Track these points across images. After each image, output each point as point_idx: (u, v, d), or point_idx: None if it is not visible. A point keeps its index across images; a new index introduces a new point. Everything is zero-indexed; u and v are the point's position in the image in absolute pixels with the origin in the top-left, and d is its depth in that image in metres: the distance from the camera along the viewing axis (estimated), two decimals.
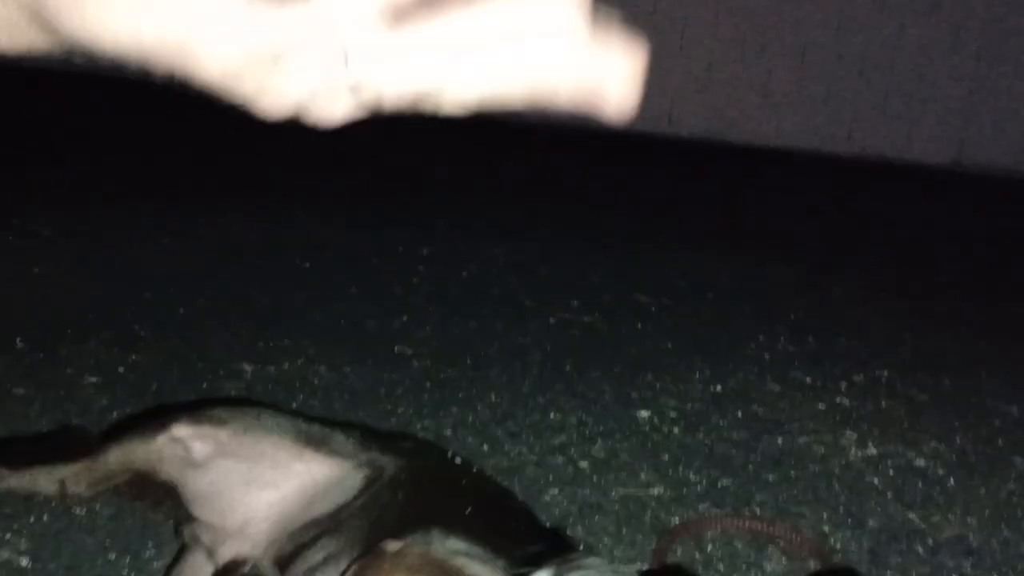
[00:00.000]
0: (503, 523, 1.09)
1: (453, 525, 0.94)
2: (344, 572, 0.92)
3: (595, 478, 1.84)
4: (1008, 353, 2.90)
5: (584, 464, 1.90)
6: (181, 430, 1.20)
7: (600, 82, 0.55)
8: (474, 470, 1.30)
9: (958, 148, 7.53)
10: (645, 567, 1.42)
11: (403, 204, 4.34)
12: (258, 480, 1.15)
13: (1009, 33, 7.33)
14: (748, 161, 7.05)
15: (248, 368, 2.20)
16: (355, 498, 1.12)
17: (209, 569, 1.13)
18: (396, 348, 2.44)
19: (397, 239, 3.55)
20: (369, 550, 0.93)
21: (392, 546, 0.92)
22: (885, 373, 2.58)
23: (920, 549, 1.69)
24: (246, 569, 0.94)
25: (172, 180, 4.24)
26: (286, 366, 2.25)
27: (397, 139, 6.45)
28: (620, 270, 3.52)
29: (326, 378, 2.20)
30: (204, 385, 2.07)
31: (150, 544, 1.44)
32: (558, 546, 1.01)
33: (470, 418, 2.06)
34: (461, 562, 0.90)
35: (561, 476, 1.83)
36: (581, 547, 0.84)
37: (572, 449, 1.96)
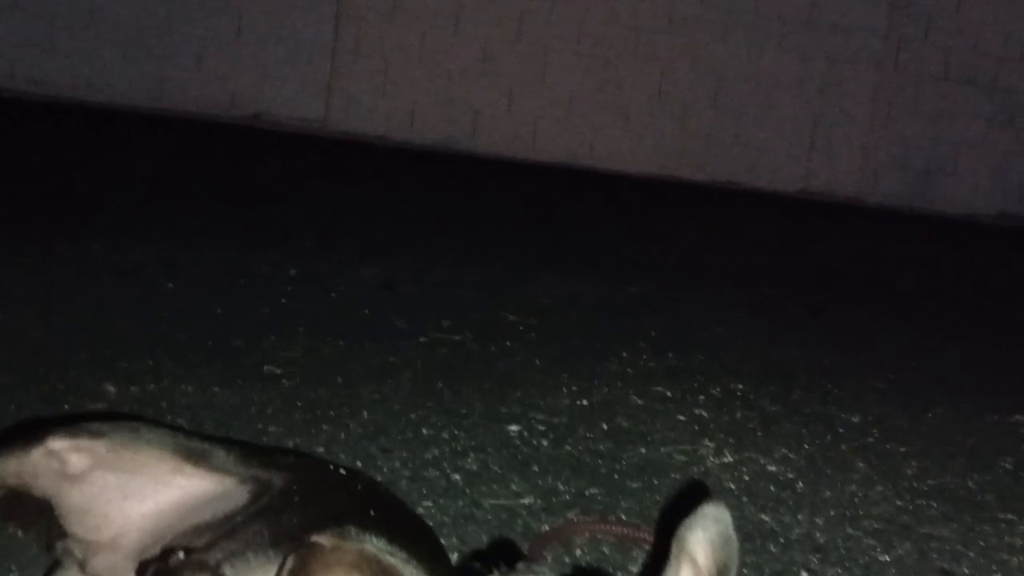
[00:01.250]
0: (405, 526, 1.12)
1: (364, 527, 0.97)
2: (280, 567, 0.93)
3: (467, 490, 1.88)
4: (851, 366, 3.10)
5: (457, 477, 1.94)
6: (57, 443, 1.17)
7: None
8: (363, 478, 1.32)
9: (805, 175, 7.97)
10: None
11: (267, 224, 4.30)
12: (136, 493, 1.14)
13: (852, 66, 7.82)
14: (608, 186, 7.27)
15: (112, 389, 2.15)
16: (245, 507, 1.12)
17: None
18: (265, 368, 2.43)
19: (262, 259, 3.52)
20: (299, 544, 0.94)
21: (326, 540, 0.94)
22: (739, 386, 2.72)
23: (772, 547, 1.80)
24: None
25: (29, 200, 4.08)
26: (151, 386, 2.21)
27: (260, 159, 6.37)
28: (488, 290, 3.58)
29: (193, 397, 2.17)
30: (65, 407, 2.01)
31: (13, 567, 1.40)
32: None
33: (342, 435, 2.07)
34: (392, 560, 0.93)
35: (435, 488, 1.87)
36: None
37: (445, 463, 2.00)
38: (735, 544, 1.02)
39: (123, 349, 2.41)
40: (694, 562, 1.01)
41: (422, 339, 2.82)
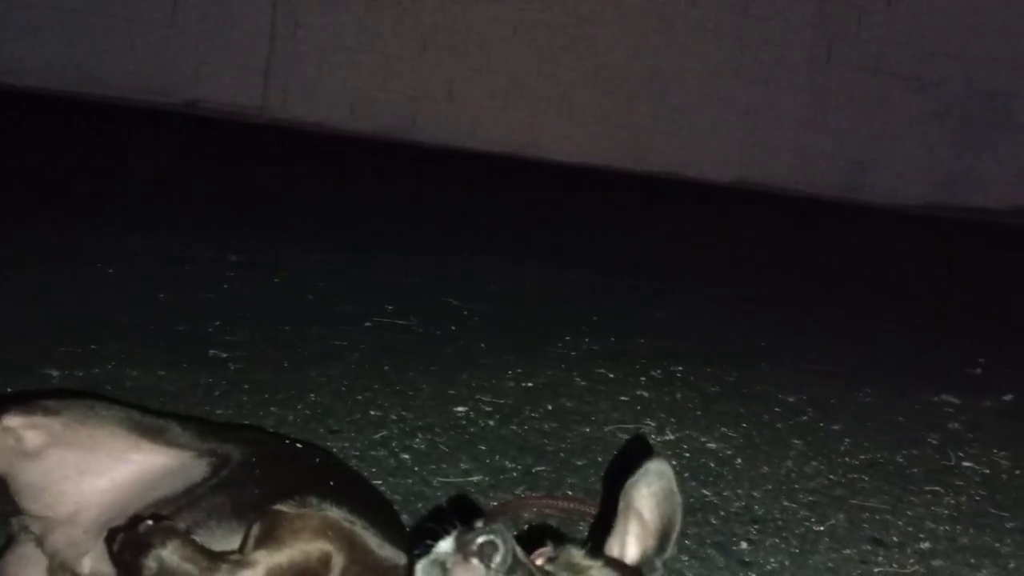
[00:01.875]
0: (362, 496, 1.14)
1: (324, 496, 0.99)
2: (246, 535, 0.95)
3: (416, 468, 1.91)
4: (787, 349, 3.19)
5: (406, 456, 1.96)
6: (12, 420, 1.17)
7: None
8: (319, 451, 1.34)
9: (740, 166, 8.11)
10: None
11: (206, 212, 4.26)
12: (93, 470, 1.15)
13: (786, 59, 7.97)
14: (549, 175, 7.33)
15: (55, 373, 2.13)
16: (205, 481, 1.14)
17: (40, 559, 1.12)
18: (210, 352, 2.42)
19: (202, 246, 3.50)
20: (261, 513, 0.96)
21: (289, 508, 0.96)
22: (679, 368, 2.78)
23: (713, 519, 1.86)
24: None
25: None
26: (95, 370, 2.19)
27: (201, 146, 6.30)
28: (432, 277, 3.61)
29: (140, 380, 2.16)
30: (8, 390, 1.99)
31: None
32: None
33: (290, 417, 2.09)
34: (353, 527, 0.96)
35: (384, 468, 1.89)
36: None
37: (393, 443, 2.02)
38: (678, 498, 1.07)
39: (65, 334, 2.38)
40: (640, 516, 1.05)
41: (367, 324, 2.84)
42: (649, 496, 1.06)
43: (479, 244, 4.32)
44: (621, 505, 1.07)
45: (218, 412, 2.05)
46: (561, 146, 7.89)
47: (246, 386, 2.21)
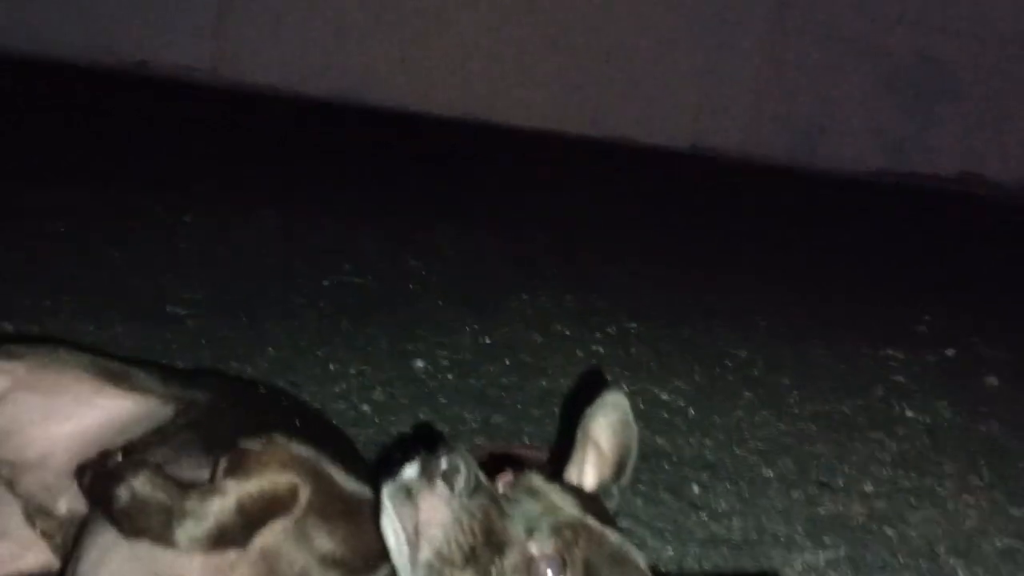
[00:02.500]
0: (326, 434, 1.17)
1: (290, 435, 1.01)
2: (214, 469, 0.97)
3: (377, 419, 1.94)
4: (738, 307, 3.26)
5: (366, 408, 1.99)
6: None
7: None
8: (284, 393, 1.35)
9: (694, 132, 8.17)
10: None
11: (159, 171, 4.21)
12: (58, 414, 1.16)
13: (740, 25, 8.03)
14: (506, 140, 7.32)
15: (8, 326, 2.12)
16: (173, 421, 1.15)
17: (12, 501, 1.13)
18: (168, 308, 2.42)
19: (156, 205, 3.47)
20: (227, 448, 0.98)
21: (254, 444, 0.98)
22: (634, 325, 2.83)
23: (666, 465, 1.92)
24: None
25: None
26: (50, 325, 2.18)
27: (150, 106, 6.20)
28: (389, 239, 3.61)
29: (96, 336, 2.15)
30: None
31: None
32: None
33: (250, 370, 2.10)
34: (321, 462, 0.98)
35: (344, 419, 1.91)
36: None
37: (353, 396, 2.05)
38: (634, 429, 1.11)
39: (19, 289, 2.37)
40: (597, 446, 1.09)
41: (325, 282, 2.85)
42: (606, 426, 1.10)
43: (436, 207, 4.32)
44: (579, 435, 1.10)
45: (178, 366, 2.06)
46: (517, 111, 7.88)
47: (204, 341, 2.22)
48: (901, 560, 1.69)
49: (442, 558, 0.91)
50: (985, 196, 8.06)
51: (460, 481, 0.91)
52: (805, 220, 5.70)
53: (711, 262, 4.07)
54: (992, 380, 2.77)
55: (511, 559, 0.93)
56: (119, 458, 0.96)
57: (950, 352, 3.00)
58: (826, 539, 1.71)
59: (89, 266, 2.68)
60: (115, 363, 1.27)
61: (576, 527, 0.95)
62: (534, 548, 0.94)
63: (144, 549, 0.96)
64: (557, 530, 0.94)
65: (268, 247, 3.18)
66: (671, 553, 1.63)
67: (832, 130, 8.28)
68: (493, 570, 0.92)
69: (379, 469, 0.98)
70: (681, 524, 1.71)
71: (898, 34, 8.16)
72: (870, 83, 8.22)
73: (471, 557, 0.91)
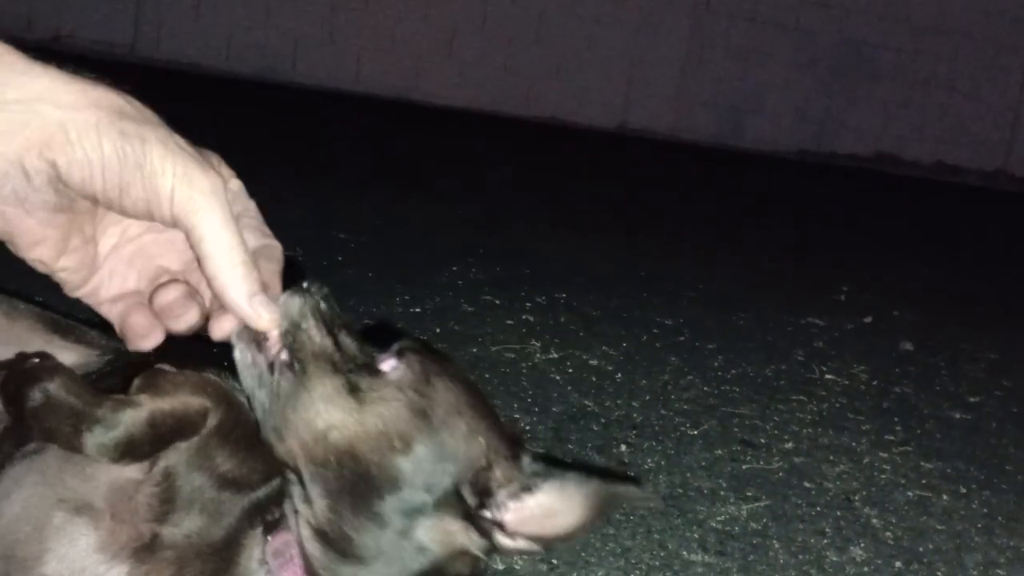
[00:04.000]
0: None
1: (205, 366, 1.01)
2: (129, 387, 0.95)
3: None
4: (665, 276, 3.32)
5: None
6: None
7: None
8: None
9: (623, 112, 8.25)
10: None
11: None
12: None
13: (668, 7, 8.10)
14: (435, 118, 7.31)
15: None
16: (100, 369, 1.15)
17: None
18: None
19: None
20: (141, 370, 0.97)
21: (168, 367, 0.97)
22: (563, 295, 2.87)
23: (594, 426, 1.95)
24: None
25: None
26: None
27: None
28: (316, 211, 3.58)
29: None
30: None
31: None
32: None
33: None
34: (233, 393, 0.98)
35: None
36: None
37: None
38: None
39: None
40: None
41: None
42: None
43: (364, 182, 4.30)
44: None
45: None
46: (445, 91, 7.86)
47: None
48: (819, 510, 1.75)
49: (295, 326, 0.94)
50: (902, 175, 8.30)
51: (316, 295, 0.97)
52: (731, 197, 5.81)
53: (639, 235, 4.13)
54: (907, 345, 2.87)
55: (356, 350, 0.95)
56: (35, 361, 0.94)
57: (868, 319, 3.10)
58: (748, 492, 1.76)
59: None
60: (61, 318, 1.26)
61: (420, 349, 0.98)
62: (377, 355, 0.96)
63: (53, 475, 0.95)
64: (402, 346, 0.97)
65: None
66: None
67: (756, 110, 8.44)
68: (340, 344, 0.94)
69: None
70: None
71: (822, 15, 8.34)
72: (793, 64, 8.39)
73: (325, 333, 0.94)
